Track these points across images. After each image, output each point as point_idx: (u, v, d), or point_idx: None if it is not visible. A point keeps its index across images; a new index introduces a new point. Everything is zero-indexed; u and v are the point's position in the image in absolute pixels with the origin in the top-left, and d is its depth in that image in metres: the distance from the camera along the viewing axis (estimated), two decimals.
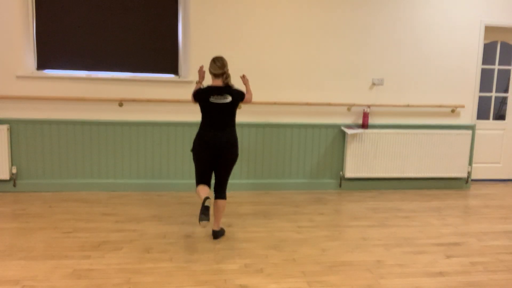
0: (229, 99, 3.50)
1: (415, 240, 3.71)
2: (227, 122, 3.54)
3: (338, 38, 5.04)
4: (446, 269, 3.17)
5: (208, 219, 3.29)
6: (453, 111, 5.35)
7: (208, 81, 3.62)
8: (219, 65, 3.49)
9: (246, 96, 3.68)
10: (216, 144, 3.49)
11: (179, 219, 4.05)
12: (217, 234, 3.66)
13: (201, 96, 3.53)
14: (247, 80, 3.82)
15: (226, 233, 3.74)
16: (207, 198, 3.35)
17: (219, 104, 3.49)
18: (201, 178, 3.61)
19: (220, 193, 3.66)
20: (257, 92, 4.96)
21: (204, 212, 3.30)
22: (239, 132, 4.94)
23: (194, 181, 4.95)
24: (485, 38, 5.49)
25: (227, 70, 3.53)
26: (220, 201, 3.64)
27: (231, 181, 5.03)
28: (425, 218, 4.30)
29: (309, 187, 5.20)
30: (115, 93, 4.77)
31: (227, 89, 3.53)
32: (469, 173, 5.45)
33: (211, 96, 3.50)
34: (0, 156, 4.59)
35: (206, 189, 3.57)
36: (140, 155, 4.87)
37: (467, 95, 5.38)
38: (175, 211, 4.28)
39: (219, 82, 3.54)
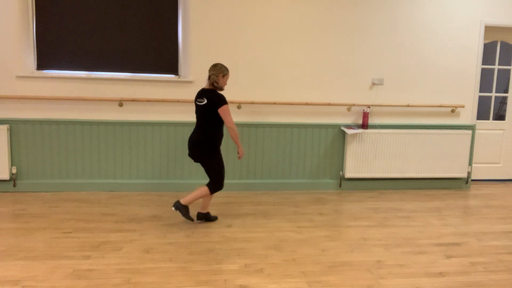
0: (205, 101, 3.73)
1: (415, 240, 3.72)
2: (201, 123, 3.82)
3: (338, 38, 5.04)
4: (446, 269, 3.17)
5: (176, 207, 3.83)
6: (453, 111, 5.35)
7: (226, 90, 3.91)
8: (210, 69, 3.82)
9: (228, 121, 3.77)
10: (189, 143, 3.89)
11: (179, 219, 4.05)
12: (178, 205, 3.82)
13: (195, 97, 3.87)
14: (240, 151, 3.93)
15: (226, 233, 3.74)
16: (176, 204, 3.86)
17: (198, 105, 3.83)
18: None
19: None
20: (257, 92, 4.97)
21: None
22: (239, 132, 4.94)
23: (194, 181, 4.99)
24: (485, 38, 5.49)
25: (213, 74, 3.75)
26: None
27: (231, 181, 5.04)
28: (425, 218, 4.30)
29: (309, 187, 5.20)
30: (115, 93, 4.77)
31: (207, 91, 3.77)
32: (469, 173, 5.45)
33: (198, 98, 3.83)
34: (0, 156, 4.59)
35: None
36: (140, 155, 4.88)
37: (467, 95, 5.38)
38: (175, 211, 4.27)
39: (207, 86, 3.85)
